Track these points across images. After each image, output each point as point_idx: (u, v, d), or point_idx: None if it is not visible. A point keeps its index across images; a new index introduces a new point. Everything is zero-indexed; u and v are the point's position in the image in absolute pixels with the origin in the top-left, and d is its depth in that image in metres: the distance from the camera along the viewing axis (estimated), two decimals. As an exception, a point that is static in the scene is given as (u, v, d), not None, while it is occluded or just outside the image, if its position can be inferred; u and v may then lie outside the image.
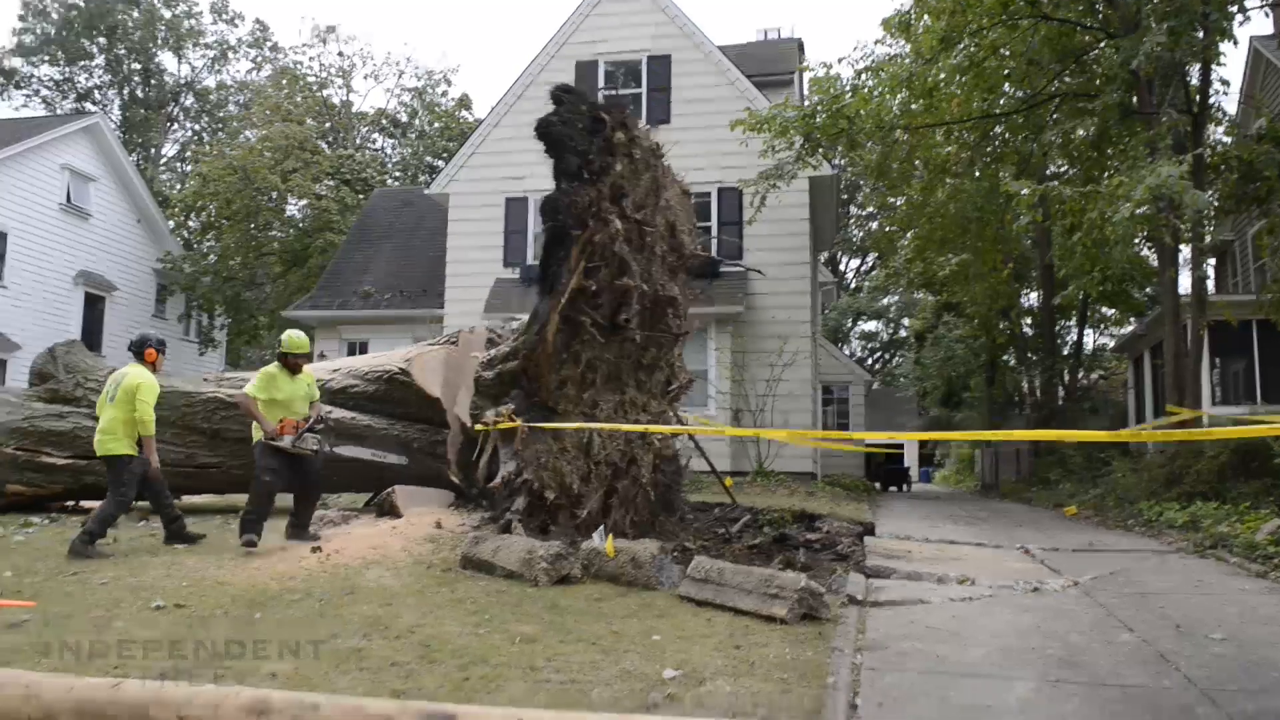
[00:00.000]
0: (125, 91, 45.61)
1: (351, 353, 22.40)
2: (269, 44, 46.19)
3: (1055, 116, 17.25)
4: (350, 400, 10.85)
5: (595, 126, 7.64)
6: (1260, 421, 12.44)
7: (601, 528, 7.32)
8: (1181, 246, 15.41)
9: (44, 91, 44.03)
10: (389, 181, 36.28)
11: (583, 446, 7.68)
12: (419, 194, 25.95)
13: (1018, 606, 6.27)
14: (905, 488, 29.10)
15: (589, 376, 7.87)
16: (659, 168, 8.28)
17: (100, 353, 22.53)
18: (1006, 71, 16.74)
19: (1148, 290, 23.22)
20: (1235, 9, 13.92)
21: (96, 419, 7.95)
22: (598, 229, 7.54)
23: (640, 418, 8.13)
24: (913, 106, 16.66)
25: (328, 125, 38.61)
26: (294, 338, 8.07)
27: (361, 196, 32.49)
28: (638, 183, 7.93)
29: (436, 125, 39.95)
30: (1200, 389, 15.13)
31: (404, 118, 42.02)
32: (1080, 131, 17.45)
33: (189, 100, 47.35)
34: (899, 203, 24.96)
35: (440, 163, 34.86)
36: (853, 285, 52.03)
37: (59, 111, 40.90)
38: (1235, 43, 14.22)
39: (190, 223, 35.94)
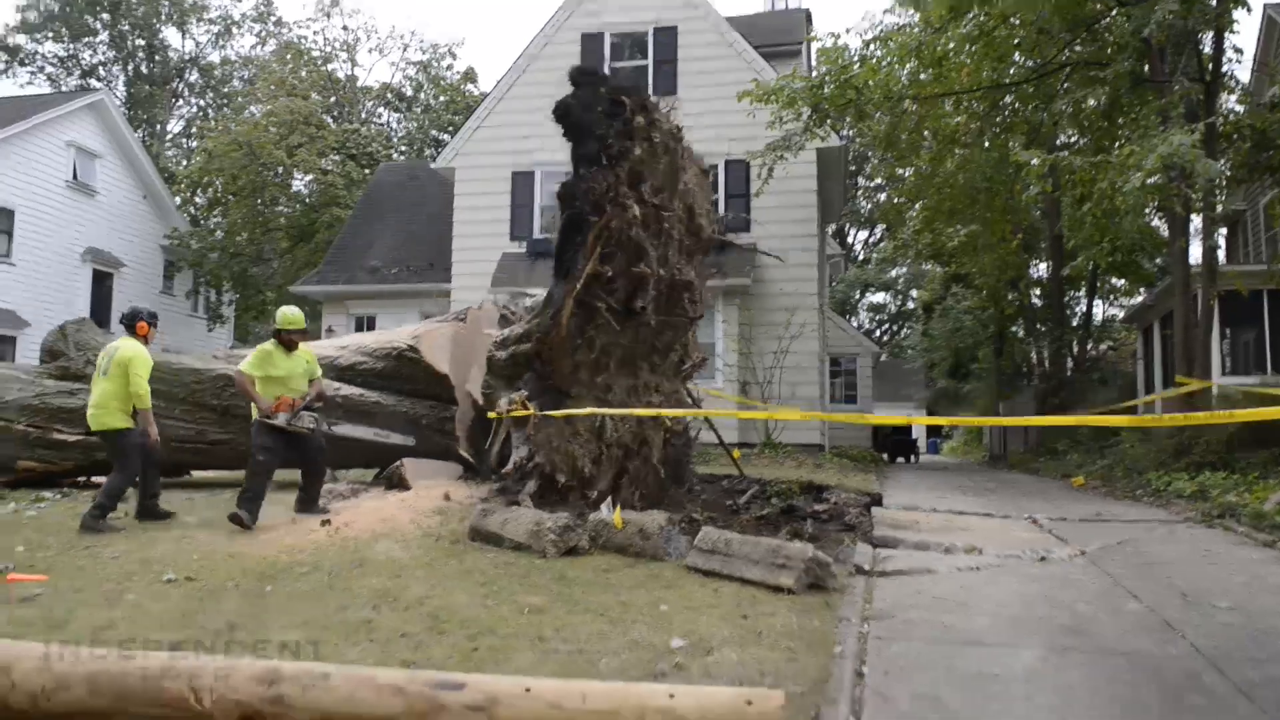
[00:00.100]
0: (130, 68, 45.47)
1: (359, 328, 22.46)
2: (273, 18, 45.98)
3: (1066, 86, 17.06)
4: (359, 377, 10.89)
5: (614, 110, 7.47)
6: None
7: (609, 499, 7.34)
8: (1192, 216, 15.28)
9: (48, 68, 43.91)
10: (395, 156, 36.16)
11: (595, 430, 7.66)
12: (425, 168, 25.87)
13: (1025, 576, 6.28)
14: (913, 459, 29.15)
15: (603, 360, 7.82)
16: (678, 150, 8.11)
17: (109, 330, 22.54)
18: (1016, 40, 16.54)
19: (1158, 261, 23.08)
20: (1249, -26, 13.71)
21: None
22: (615, 214, 7.42)
23: (653, 399, 8.09)
24: (921, 76, 16.51)
25: (333, 100, 38.43)
26: (288, 314, 7.99)
27: (367, 171, 32.40)
28: (656, 166, 7.79)
29: (442, 99, 39.75)
30: (1210, 359, 15.05)
31: (409, 92, 41.81)
32: (1091, 101, 17.25)
33: (193, 76, 47.18)
34: (907, 174, 24.76)
35: (446, 137, 34.74)
36: (860, 257, 51.82)
37: (64, 89, 40.81)
38: (1249, 9, 14.01)
39: (196, 199, 35.95)
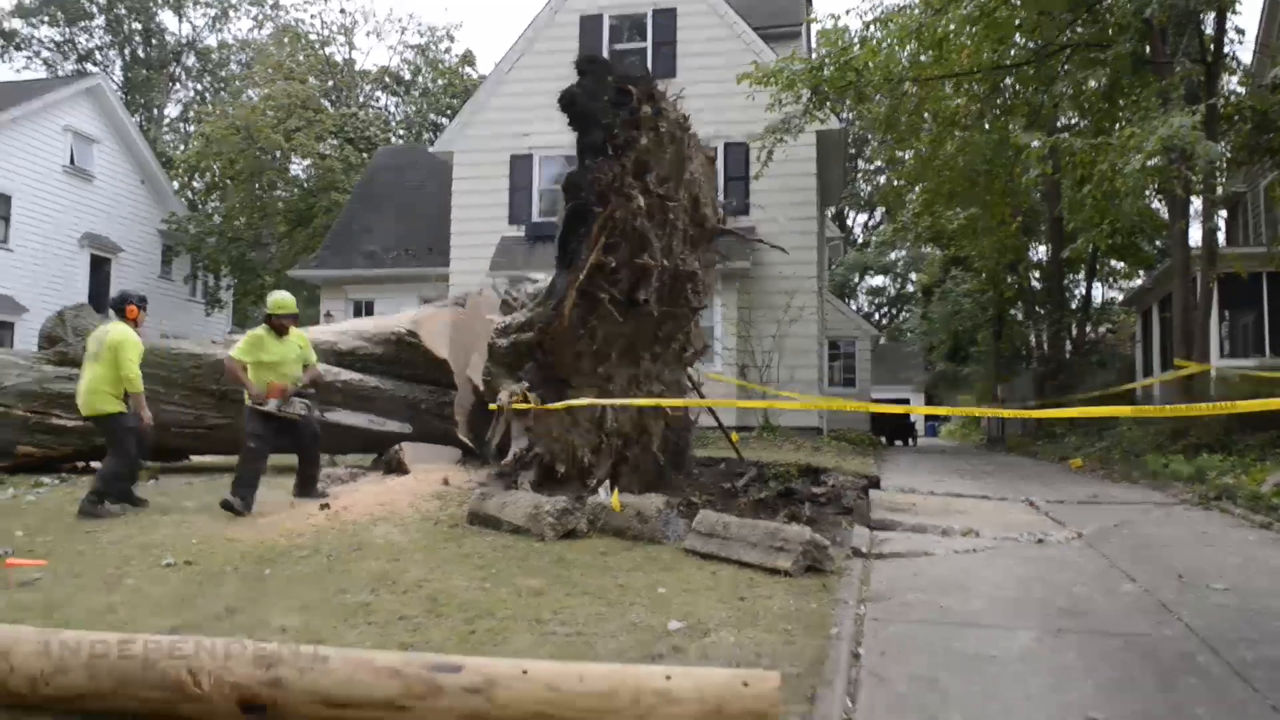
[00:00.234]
0: (126, 52, 45.27)
1: (358, 313, 22.43)
2: (270, 1, 45.72)
3: (1066, 67, 16.97)
4: (358, 362, 10.90)
5: (621, 99, 7.34)
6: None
7: (607, 482, 7.35)
8: (1192, 198, 15.24)
9: (45, 53, 43.75)
10: (393, 140, 36.05)
11: (595, 420, 7.64)
12: (423, 152, 25.78)
13: (1021, 558, 6.30)
14: (911, 442, 29.16)
15: (605, 350, 7.77)
16: (685, 139, 8.01)
17: (108, 315, 22.55)
18: (1018, 21, 16.44)
19: (1157, 243, 23.03)
20: (1251, -45, 13.65)
21: None
22: (619, 205, 7.34)
23: (654, 388, 8.06)
24: (922, 58, 16.42)
25: (330, 84, 38.28)
26: (279, 298, 7.93)
27: (365, 155, 32.31)
28: (662, 156, 7.69)
29: (440, 82, 39.61)
30: (1209, 342, 15.05)
31: (407, 75, 41.65)
32: (1092, 82, 17.17)
33: (190, 60, 46.99)
34: (907, 156, 24.68)
35: (444, 120, 34.62)
36: (860, 240, 51.75)
37: (60, 73, 40.63)
38: (1251, -11, 13.95)
39: (194, 184, 35.84)
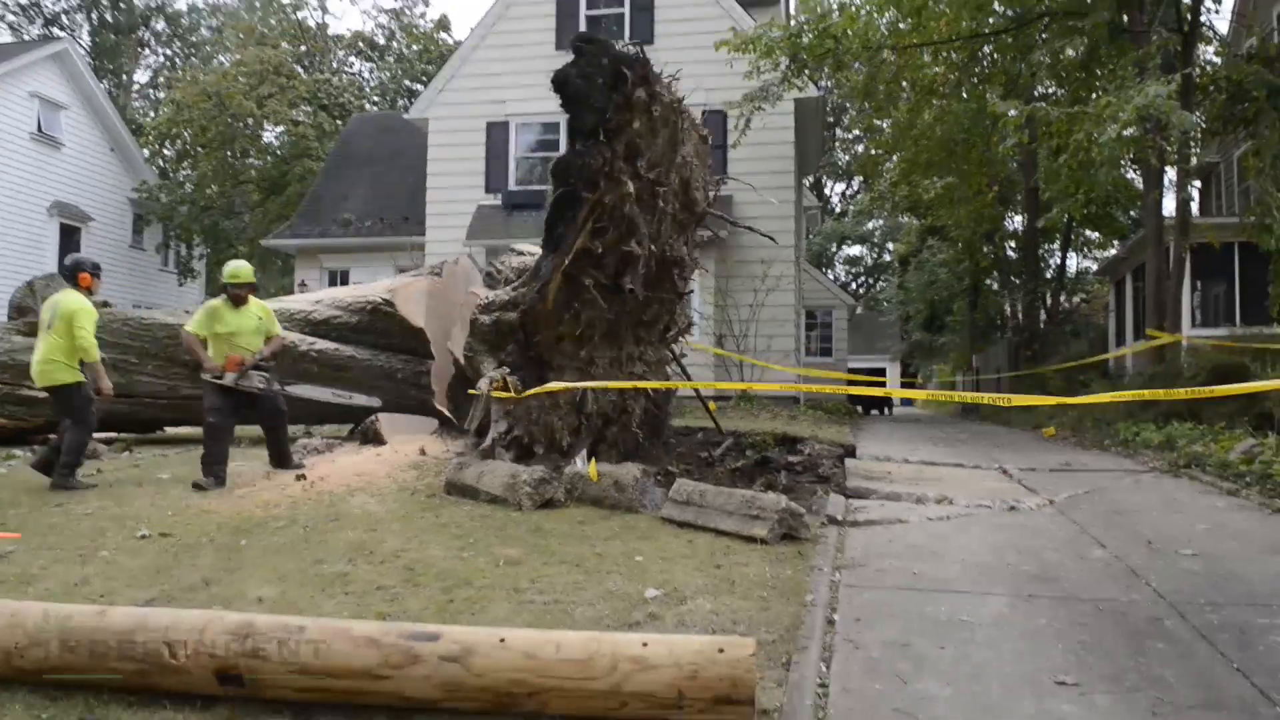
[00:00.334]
0: (94, 16, 44.27)
1: (333, 282, 22.27)
2: (240, -36, 44.84)
3: (1044, 36, 16.98)
4: (333, 331, 10.83)
5: (616, 82, 7.12)
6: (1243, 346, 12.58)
7: (584, 452, 7.36)
8: (1167, 169, 15.33)
9: (9, 16, 42.69)
10: (367, 107, 35.57)
11: (575, 403, 7.62)
12: (399, 119, 25.46)
13: (994, 525, 6.39)
14: (887, 411, 29.38)
15: (587, 334, 7.70)
16: (679, 123, 7.82)
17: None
18: (996, -12, 16.44)
19: (1132, 213, 23.18)
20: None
21: None
22: (609, 190, 7.20)
23: (636, 368, 8.02)
24: (900, 26, 16.36)
25: (303, 49, 37.69)
26: (233, 268, 7.75)
27: (340, 122, 31.90)
28: (655, 141, 7.53)
29: (415, 48, 39.09)
30: (1180, 312, 15.20)
31: (381, 40, 41.06)
32: (1069, 51, 17.19)
33: (160, 25, 46.05)
34: (885, 125, 24.67)
35: (419, 87, 34.20)
36: (838, 210, 51.76)
37: (26, 38, 39.71)
38: (1228, -42, 13.98)
39: (165, 151, 35.25)
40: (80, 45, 38.12)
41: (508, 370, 7.77)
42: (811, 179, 35.80)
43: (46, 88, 26.20)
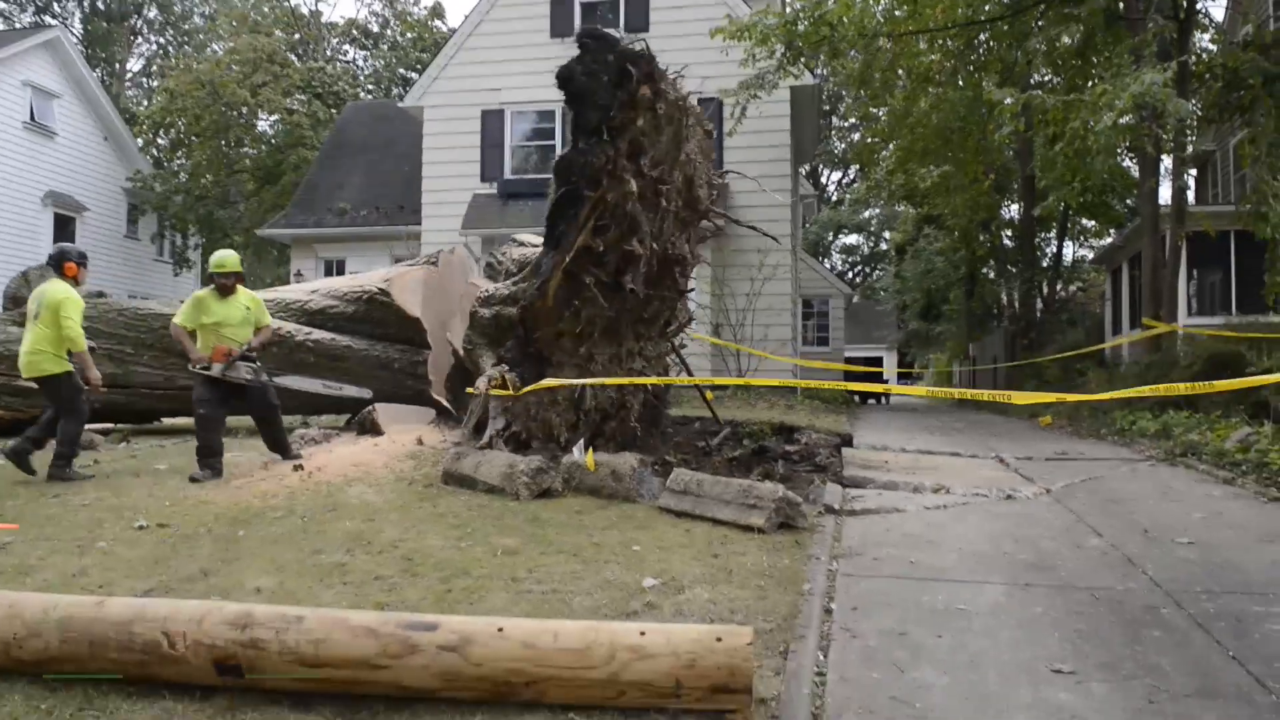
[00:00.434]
0: (85, 3, 44.00)
1: (329, 271, 22.23)
2: (233, -48, 44.54)
3: (1040, 23, 16.93)
4: (330, 321, 10.81)
5: (620, 79, 7.05)
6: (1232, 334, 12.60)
7: (581, 442, 7.36)
8: (1163, 157, 15.33)
9: (1, 4, 42.44)
10: (362, 95, 35.43)
11: (574, 400, 7.61)
12: (393, 108, 25.38)
13: (991, 514, 6.40)
14: (884, 400, 29.40)
15: (587, 331, 7.66)
16: (683, 120, 7.73)
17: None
18: (993, -24, 16.38)
19: (1128, 202, 23.17)
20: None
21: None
22: (611, 188, 7.14)
23: (636, 364, 7.99)
24: (897, 13, 16.29)
25: (297, 37, 37.52)
26: (219, 257, 7.69)
27: (334, 111, 31.75)
28: (658, 139, 7.45)
29: (409, 36, 38.90)
30: (1176, 300, 15.23)
31: (375, 28, 40.88)
32: (1065, 39, 17.13)
33: (153, 13, 45.75)
34: (881, 113, 24.59)
35: (414, 75, 34.04)
36: (834, 198, 51.70)
37: (17, 25, 39.47)
38: (1224, -55, 13.95)
39: (159, 140, 35.13)
40: (72, 33, 37.91)
41: (506, 367, 7.76)
42: (808, 167, 35.78)
43: (39, 76, 26.07)
